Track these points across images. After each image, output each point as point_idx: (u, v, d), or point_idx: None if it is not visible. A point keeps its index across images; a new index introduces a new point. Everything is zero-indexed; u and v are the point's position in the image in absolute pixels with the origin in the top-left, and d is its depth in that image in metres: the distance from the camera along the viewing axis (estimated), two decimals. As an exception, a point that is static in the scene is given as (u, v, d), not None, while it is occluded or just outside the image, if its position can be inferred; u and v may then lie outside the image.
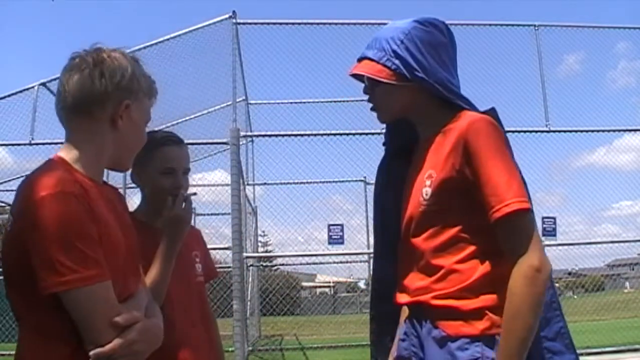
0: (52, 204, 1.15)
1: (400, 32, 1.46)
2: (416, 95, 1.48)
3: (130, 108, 1.35)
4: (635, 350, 7.15)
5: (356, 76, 1.59)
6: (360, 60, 1.53)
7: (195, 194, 1.90)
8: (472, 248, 1.38)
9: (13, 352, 1.26)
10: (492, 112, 1.45)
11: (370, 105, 1.57)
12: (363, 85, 1.57)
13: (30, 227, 1.15)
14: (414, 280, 1.45)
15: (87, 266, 1.17)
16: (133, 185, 2.07)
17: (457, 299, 1.36)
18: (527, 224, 1.31)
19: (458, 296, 1.36)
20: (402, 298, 1.50)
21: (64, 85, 1.31)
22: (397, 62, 1.44)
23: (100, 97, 1.30)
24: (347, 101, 8.87)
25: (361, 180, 11.06)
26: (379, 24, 7.12)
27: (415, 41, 1.45)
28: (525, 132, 7.25)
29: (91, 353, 1.18)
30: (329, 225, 8.31)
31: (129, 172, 1.96)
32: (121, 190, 7.12)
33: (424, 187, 1.43)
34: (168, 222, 1.77)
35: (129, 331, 1.22)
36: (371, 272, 1.71)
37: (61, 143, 1.43)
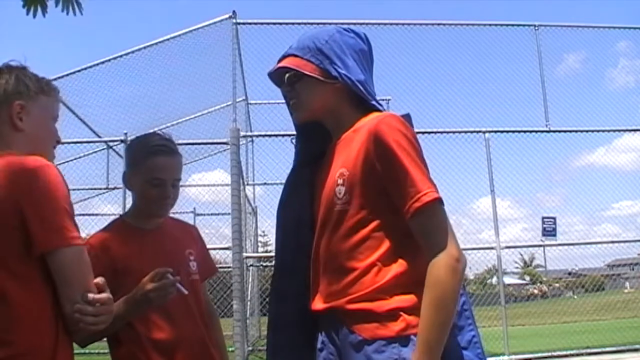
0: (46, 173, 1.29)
1: (325, 34, 1.49)
2: (337, 94, 1.48)
3: (27, 107, 1.43)
4: (635, 350, 7.13)
5: (274, 80, 1.58)
6: (282, 59, 1.52)
7: (178, 280, 1.66)
8: (385, 247, 1.36)
9: None
10: (406, 117, 1.45)
11: (290, 103, 1.55)
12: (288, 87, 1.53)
13: (27, 193, 1.26)
14: (328, 284, 1.43)
15: (76, 228, 1.32)
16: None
17: (371, 301, 1.34)
18: (442, 213, 1.32)
19: (372, 298, 1.34)
20: (317, 304, 1.46)
21: None
22: (321, 57, 1.46)
23: None
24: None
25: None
26: (379, 24, 7.13)
27: (339, 43, 1.47)
28: (525, 132, 7.26)
29: (91, 296, 1.28)
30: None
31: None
32: (121, 191, 7.13)
33: (336, 186, 1.41)
34: (139, 294, 1.63)
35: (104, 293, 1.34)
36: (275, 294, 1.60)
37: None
